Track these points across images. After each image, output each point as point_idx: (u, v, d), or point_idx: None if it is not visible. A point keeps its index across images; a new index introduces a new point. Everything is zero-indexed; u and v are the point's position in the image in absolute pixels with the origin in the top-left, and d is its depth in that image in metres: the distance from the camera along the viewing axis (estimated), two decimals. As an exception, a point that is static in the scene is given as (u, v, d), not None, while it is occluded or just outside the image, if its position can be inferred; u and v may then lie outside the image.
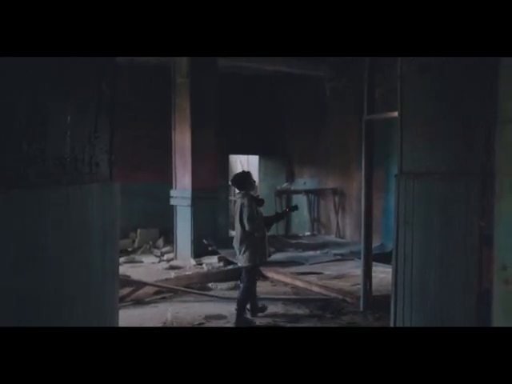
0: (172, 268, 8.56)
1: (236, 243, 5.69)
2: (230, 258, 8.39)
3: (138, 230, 10.61)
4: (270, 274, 7.71)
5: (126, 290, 6.30)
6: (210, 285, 7.19)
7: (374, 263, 6.19)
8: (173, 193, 9.65)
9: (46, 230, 2.19)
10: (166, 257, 9.57)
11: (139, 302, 6.34)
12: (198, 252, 9.09)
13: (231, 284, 7.15)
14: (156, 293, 6.72)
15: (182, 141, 9.42)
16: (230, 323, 5.53)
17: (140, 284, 6.64)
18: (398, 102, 4.13)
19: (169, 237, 10.33)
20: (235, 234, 5.81)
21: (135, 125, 10.51)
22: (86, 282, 2.64)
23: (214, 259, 8.71)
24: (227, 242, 9.14)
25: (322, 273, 7.71)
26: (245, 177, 5.80)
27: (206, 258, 8.91)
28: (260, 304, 5.92)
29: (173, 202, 9.62)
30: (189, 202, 9.23)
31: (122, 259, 8.50)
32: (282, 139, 12.47)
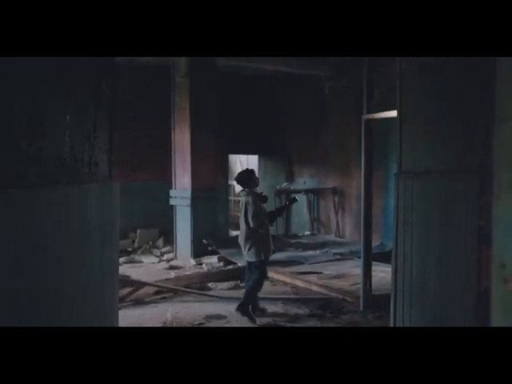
0: (172, 268, 8.57)
1: (241, 240, 5.77)
2: (230, 258, 8.40)
3: (138, 230, 10.61)
4: (270, 273, 7.69)
5: (125, 290, 6.30)
6: (209, 285, 7.18)
7: (373, 262, 6.19)
8: (172, 193, 9.65)
9: (46, 230, 2.19)
10: (165, 257, 9.57)
11: (139, 302, 6.34)
12: (198, 252, 9.10)
13: (231, 284, 7.17)
14: (156, 293, 6.72)
15: (182, 140, 9.42)
16: (230, 323, 5.53)
17: (140, 284, 6.64)
18: (397, 101, 4.14)
19: (169, 237, 10.33)
20: (240, 231, 5.88)
21: (135, 125, 10.52)
22: (85, 281, 2.64)
23: (213, 259, 8.71)
24: (227, 242, 9.18)
25: (321, 272, 7.71)
26: (249, 174, 5.87)
27: (205, 257, 8.91)
28: (261, 305, 5.94)
29: (172, 201, 9.62)
30: (188, 201, 9.23)
31: (121, 259, 8.50)
32: (282, 139, 12.47)
